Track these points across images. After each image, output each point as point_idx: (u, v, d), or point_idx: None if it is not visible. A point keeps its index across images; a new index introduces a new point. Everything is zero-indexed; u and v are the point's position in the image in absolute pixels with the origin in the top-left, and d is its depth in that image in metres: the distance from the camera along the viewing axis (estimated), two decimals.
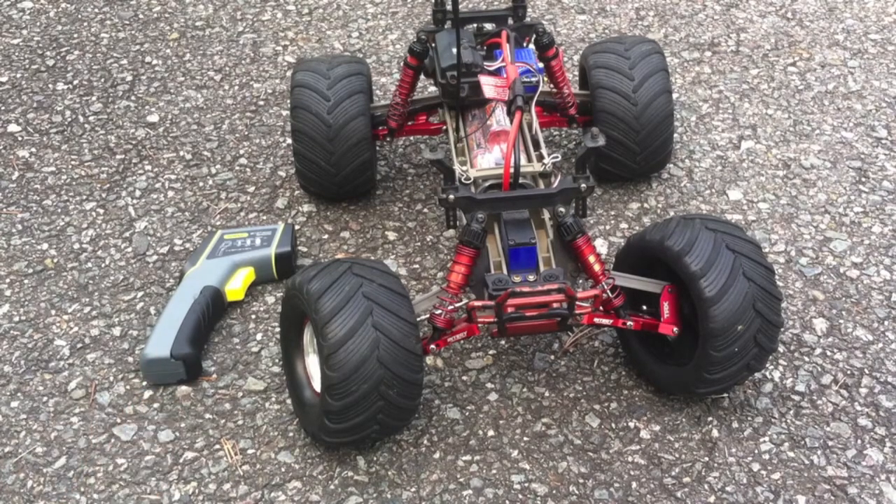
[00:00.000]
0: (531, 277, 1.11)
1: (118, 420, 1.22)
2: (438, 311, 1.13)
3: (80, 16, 2.05)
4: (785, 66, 1.85)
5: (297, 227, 1.49)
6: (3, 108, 1.80)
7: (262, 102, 1.79)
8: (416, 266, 1.43)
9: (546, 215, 1.19)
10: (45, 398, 1.25)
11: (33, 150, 1.69)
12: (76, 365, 1.30)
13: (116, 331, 1.35)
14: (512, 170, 1.15)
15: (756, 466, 1.14)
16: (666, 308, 1.16)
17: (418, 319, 1.10)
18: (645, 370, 1.23)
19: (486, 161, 1.28)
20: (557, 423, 1.20)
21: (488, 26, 1.42)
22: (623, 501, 1.11)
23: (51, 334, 1.34)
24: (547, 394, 1.23)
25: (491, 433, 1.19)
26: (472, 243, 1.12)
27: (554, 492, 1.12)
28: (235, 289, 1.36)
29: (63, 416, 1.23)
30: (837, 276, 1.40)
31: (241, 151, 1.67)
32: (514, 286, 1.09)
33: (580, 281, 1.24)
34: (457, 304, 1.13)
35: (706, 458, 1.15)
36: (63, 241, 1.50)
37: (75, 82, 1.85)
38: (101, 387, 1.27)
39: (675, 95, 1.73)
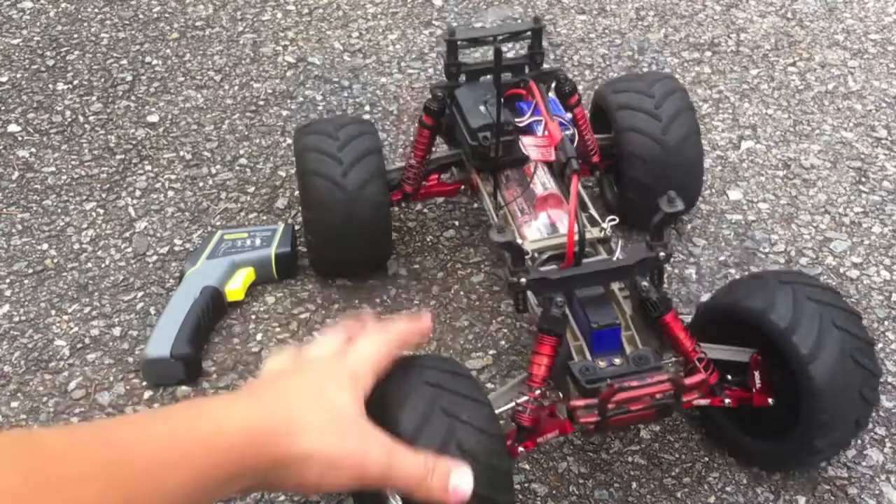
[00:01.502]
0: (617, 360, 1.01)
1: None
2: (522, 409, 1.01)
3: (80, 16, 2.05)
4: (785, 66, 1.85)
5: (297, 228, 1.49)
6: (3, 108, 1.80)
7: (262, 102, 1.79)
8: (417, 266, 1.43)
9: (615, 286, 1.08)
10: (45, 398, 1.25)
11: (33, 150, 1.69)
12: (76, 365, 1.30)
13: (116, 331, 1.35)
14: (576, 239, 1.04)
15: (756, 467, 1.14)
16: (757, 377, 1.06)
17: (497, 412, 0.97)
18: (737, 448, 1.13)
19: (534, 230, 1.16)
20: None
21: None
22: (623, 501, 1.11)
23: (51, 334, 1.34)
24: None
25: None
26: (554, 331, 1.01)
27: (554, 492, 1.12)
28: (235, 289, 1.36)
29: (63, 417, 1.23)
30: (837, 276, 1.40)
31: (241, 151, 1.67)
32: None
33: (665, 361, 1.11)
34: (544, 403, 1.02)
35: (706, 459, 1.15)
36: (63, 241, 1.50)
37: (75, 82, 1.85)
38: (101, 387, 1.27)
39: None
